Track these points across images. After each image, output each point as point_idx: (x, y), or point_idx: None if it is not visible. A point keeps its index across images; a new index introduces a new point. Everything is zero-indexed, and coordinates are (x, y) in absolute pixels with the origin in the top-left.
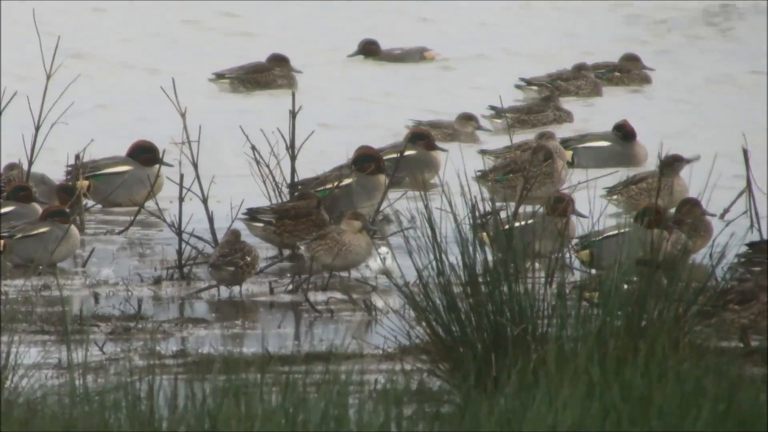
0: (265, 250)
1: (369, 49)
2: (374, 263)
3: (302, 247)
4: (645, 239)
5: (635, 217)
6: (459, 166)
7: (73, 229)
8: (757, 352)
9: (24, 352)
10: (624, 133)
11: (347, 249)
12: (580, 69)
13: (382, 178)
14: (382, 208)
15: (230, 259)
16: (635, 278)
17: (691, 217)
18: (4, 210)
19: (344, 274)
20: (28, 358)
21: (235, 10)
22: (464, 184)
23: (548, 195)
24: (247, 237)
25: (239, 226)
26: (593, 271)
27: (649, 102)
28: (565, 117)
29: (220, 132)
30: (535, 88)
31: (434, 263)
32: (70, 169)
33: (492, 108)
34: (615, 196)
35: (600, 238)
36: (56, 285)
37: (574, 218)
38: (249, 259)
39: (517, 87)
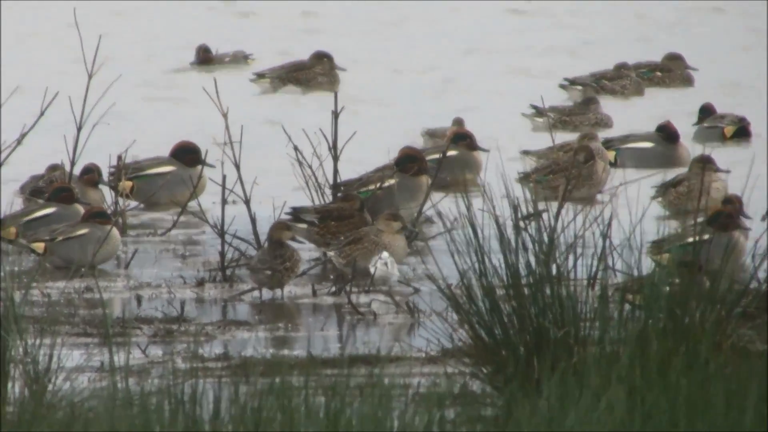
0: (307, 252)
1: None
2: (376, 269)
3: (331, 253)
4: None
5: (708, 221)
6: (501, 166)
7: (114, 230)
8: None
9: (66, 355)
10: (667, 134)
11: (387, 250)
12: (621, 68)
13: (425, 179)
14: (424, 209)
15: (270, 263)
16: (677, 280)
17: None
18: (46, 211)
19: (394, 276)
20: (71, 361)
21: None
22: (506, 185)
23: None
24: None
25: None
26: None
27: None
28: (606, 121)
29: (261, 132)
30: (579, 87)
31: (477, 265)
32: (112, 170)
33: (533, 107)
34: (659, 198)
35: (681, 243)
36: (98, 287)
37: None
38: (289, 263)
39: (561, 87)
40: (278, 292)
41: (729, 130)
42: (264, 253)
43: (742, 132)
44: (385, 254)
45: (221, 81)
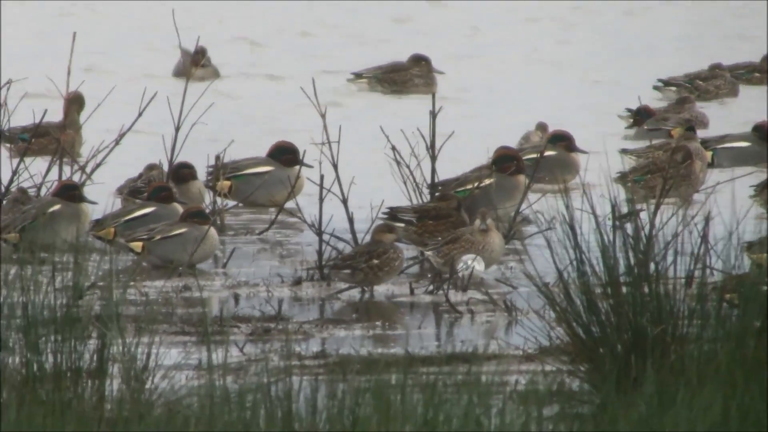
0: (405, 251)
1: None
2: (469, 269)
3: (428, 252)
4: None
5: None
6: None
7: (212, 230)
8: None
9: (164, 353)
10: (763, 133)
11: (484, 248)
12: (715, 68)
13: (522, 179)
14: (522, 208)
15: (350, 261)
16: None
17: None
18: (145, 211)
19: (484, 274)
20: (169, 359)
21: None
22: (604, 185)
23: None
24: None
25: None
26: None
27: None
28: (701, 119)
29: (359, 132)
30: (673, 88)
31: (574, 263)
32: (210, 169)
33: (628, 110)
34: (757, 198)
35: None
36: (196, 286)
37: None
38: (377, 261)
39: (655, 88)
40: (377, 290)
41: (676, 131)
42: (354, 251)
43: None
44: (471, 255)
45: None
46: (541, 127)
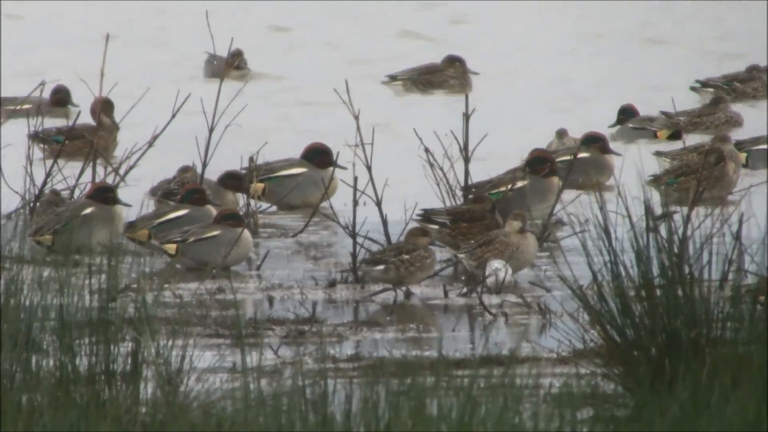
0: (438, 253)
1: None
2: (492, 274)
3: (461, 255)
4: None
5: None
6: (634, 168)
7: (246, 232)
8: None
9: (198, 356)
10: None
11: (519, 250)
12: (753, 70)
13: (556, 181)
14: (555, 210)
15: (380, 257)
16: None
17: None
18: (178, 213)
19: (518, 277)
20: (203, 362)
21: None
22: (638, 187)
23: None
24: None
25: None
26: None
27: None
28: (737, 119)
29: (393, 134)
30: (710, 90)
31: (608, 266)
32: (244, 171)
33: (663, 113)
34: None
35: None
36: (230, 288)
37: None
38: (407, 256)
39: (692, 89)
40: (409, 293)
41: (663, 133)
42: (379, 251)
43: (675, 135)
44: (498, 262)
45: (352, 82)
46: (560, 133)
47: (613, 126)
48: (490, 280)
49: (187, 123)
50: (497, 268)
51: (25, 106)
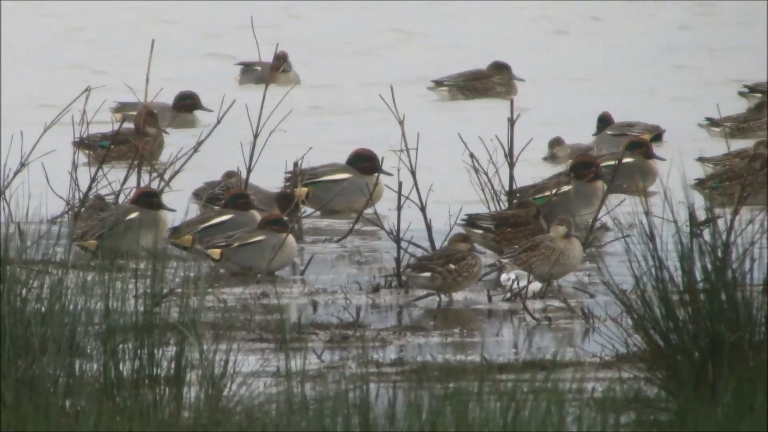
0: (483, 258)
1: None
2: (508, 285)
3: (505, 260)
4: None
5: None
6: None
7: (290, 237)
8: None
9: (242, 360)
10: None
11: (565, 255)
12: None
13: (600, 185)
14: (600, 215)
15: (425, 262)
16: None
17: None
18: (223, 218)
19: (561, 281)
20: (247, 366)
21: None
22: (682, 192)
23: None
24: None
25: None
26: None
27: None
28: None
29: (438, 140)
30: (758, 95)
31: (652, 271)
32: (289, 176)
33: (708, 119)
34: None
35: None
36: (274, 293)
37: None
38: (454, 266)
39: (740, 94)
40: (454, 297)
41: (645, 137)
42: (426, 257)
43: (657, 140)
44: (513, 273)
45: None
46: (556, 141)
47: (596, 134)
48: (508, 288)
49: (232, 129)
50: (511, 278)
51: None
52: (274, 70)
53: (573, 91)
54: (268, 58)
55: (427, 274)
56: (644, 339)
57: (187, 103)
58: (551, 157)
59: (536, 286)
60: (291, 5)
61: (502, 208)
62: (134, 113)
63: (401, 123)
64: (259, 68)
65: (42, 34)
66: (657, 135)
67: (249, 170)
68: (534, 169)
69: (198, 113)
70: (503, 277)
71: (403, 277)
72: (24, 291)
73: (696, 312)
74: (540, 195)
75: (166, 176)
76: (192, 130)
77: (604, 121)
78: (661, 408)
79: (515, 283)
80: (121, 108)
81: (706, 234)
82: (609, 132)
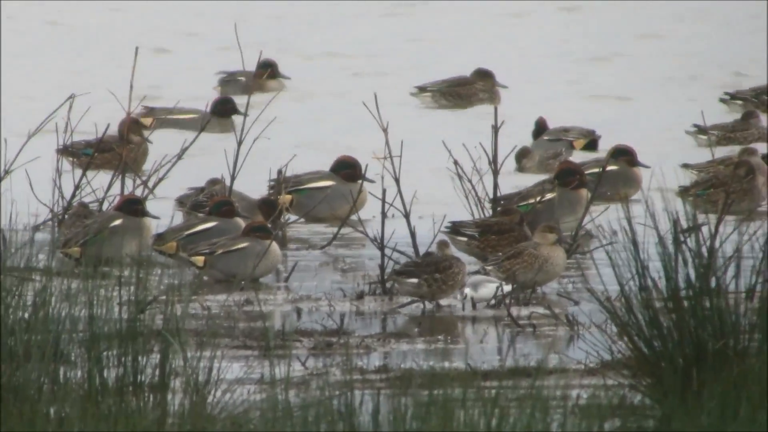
0: (468, 265)
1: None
2: (463, 298)
3: (489, 267)
4: None
5: None
6: (663, 181)
7: (274, 244)
8: None
9: (226, 367)
10: None
11: (548, 262)
12: None
13: (584, 193)
14: (584, 223)
15: (412, 268)
16: None
17: None
18: (207, 225)
19: (546, 288)
20: (231, 373)
21: None
22: (666, 199)
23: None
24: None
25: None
26: None
27: None
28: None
29: (421, 146)
30: (739, 102)
31: (636, 278)
32: (272, 183)
33: (695, 126)
34: None
35: None
36: (258, 300)
37: None
38: (439, 275)
39: (722, 101)
40: (438, 305)
41: (579, 143)
42: (413, 263)
43: (592, 145)
44: (467, 290)
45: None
46: (522, 153)
47: (533, 139)
48: (462, 301)
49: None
50: (466, 293)
51: (188, 116)
52: (258, 77)
53: (558, 95)
54: (251, 66)
55: (414, 280)
56: (629, 346)
57: (227, 108)
58: (520, 170)
59: (489, 290)
60: (275, 5)
61: (486, 215)
62: (164, 117)
63: (385, 131)
64: (242, 78)
65: (33, 35)
66: (592, 141)
67: (233, 177)
68: (518, 177)
69: (234, 117)
70: (464, 291)
71: (389, 283)
72: (8, 298)
73: (680, 319)
74: (524, 202)
75: (150, 183)
76: (230, 135)
77: (539, 126)
78: (646, 415)
79: (472, 291)
80: (150, 113)
81: (691, 241)
82: (546, 137)
